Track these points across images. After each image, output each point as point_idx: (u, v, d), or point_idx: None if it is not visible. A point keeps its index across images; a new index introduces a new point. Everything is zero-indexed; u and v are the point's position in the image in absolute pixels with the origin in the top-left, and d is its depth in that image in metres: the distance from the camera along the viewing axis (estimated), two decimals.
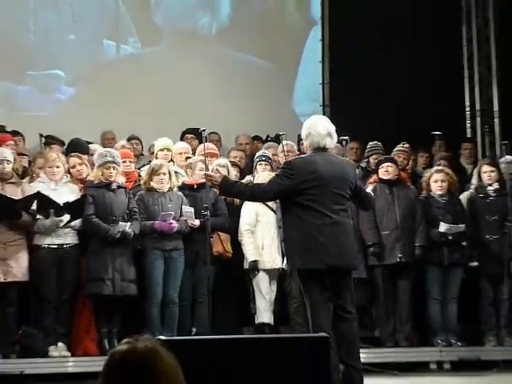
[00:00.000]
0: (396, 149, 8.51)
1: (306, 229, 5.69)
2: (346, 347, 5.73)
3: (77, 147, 8.11)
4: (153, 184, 7.39)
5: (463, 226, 7.81)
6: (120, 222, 7.11)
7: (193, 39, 10.87)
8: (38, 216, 7.02)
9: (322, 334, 4.38)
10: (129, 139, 9.01)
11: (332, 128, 5.84)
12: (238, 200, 7.72)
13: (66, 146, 8.37)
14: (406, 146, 8.62)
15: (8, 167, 7.14)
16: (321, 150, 5.79)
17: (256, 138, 9.71)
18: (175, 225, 7.28)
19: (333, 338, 5.52)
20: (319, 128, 5.80)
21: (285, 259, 7.48)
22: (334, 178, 5.72)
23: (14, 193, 7.07)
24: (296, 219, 5.76)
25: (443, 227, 7.77)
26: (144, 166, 8.23)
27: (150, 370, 2.05)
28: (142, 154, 9.05)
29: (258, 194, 5.99)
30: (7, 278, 6.93)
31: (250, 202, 7.62)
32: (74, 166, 7.51)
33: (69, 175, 7.39)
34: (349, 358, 5.72)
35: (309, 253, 5.67)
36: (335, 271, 5.73)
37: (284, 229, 6.08)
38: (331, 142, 5.87)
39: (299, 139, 9.36)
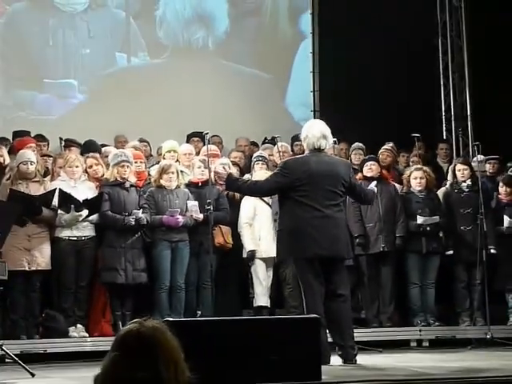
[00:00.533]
0: (382, 148, 8.53)
1: (297, 221, 5.77)
2: (338, 327, 5.78)
3: (90, 148, 8.16)
4: (162, 182, 7.42)
5: (437, 217, 7.85)
6: (134, 210, 7.15)
7: (191, 52, 10.85)
8: (59, 211, 7.05)
9: (314, 315, 4.42)
10: (139, 142, 9.02)
11: (327, 131, 5.92)
12: (238, 196, 7.76)
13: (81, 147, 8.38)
14: (391, 145, 8.62)
15: (32, 167, 7.16)
16: (316, 150, 5.85)
17: (252, 143, 9.73)
18: (181, 219, 7.31)
19: (324, 318, 5.58)
20: (315, 131, 5.89)
21: None
22: (325, 176, 5.78)
23: (37, 191, 7.09)
24: (290, 213, 5.84)
25: (420, 219, 7.81)
26: (153, 165, 8.24)
27: (154, 348, 2.09)
28: (151, 155, 9.05)
29: (255, 189, 6.13)
30: (31, 267, 6.96)
31: (249, 198, 7.67)
32: (90, 166, 7.53)
33: (86, 174, 7.42)
34: (340, 337, 5.77)
35: (300, 243, 5.74)
36: (326, 260, 5.77)
37: (279, 221, 6.13)
38: (326, 144, 5.93)
39: (293, 141, 9.41)
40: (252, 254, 7.60)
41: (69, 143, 8.50)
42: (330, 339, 5.92)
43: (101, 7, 10.57)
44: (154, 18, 10.79)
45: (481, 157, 8.40)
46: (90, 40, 10.42)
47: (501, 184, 8.23)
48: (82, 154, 7.90)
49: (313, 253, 5.72)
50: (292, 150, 9.17)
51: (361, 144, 8.71)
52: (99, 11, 10.54)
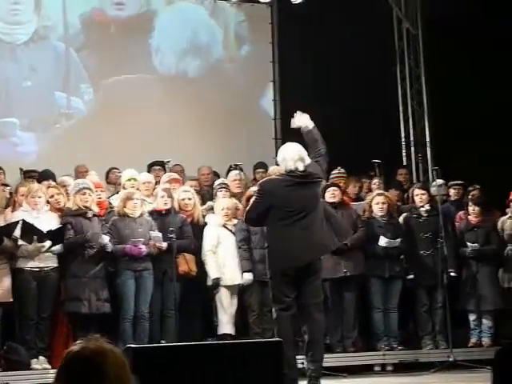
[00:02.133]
0: (334, 174, 8.62)
1: (275, 239, 6.02)
2: (310, 346, 5.90)
3: (47, 177, 8.22)
4: (126, 210, 7.44)
5: (399, 240, 7.97)
6: (101, 235, 7.17)
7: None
8: (20, 242, 7.02)
9: (275, 339, 4.47)
10: (109, 170, 9.10)
11: (304, 153, 6.07)
12: (202, 222, 7.81)
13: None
14: (342, 170, 8.74)
15: None
16: (293, 172, 5.97)
17: (214, 173, 9.81)
18: (144, 249, 7.34)
19: (292, 339, 5.71)
20: (292, 153, 6.03)
21: (244, 275, 7.61)
22: (298, 195, 5.93)
23: None
24: (268, 232, 6.15)
25: (382, 241, 7.92)
26: (112, 195, 8.27)
27: (99, 367, 2.09)
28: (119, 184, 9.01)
29: (247, 216, 6.26)
30: None
31: (212, 225, 7.73)
32: (52, 196, 7.52)
33: (48, 205, 7.41)
34: (310, 353, 5.88)
35: (278, 258, 5.98)
36: (297, 275, 5.93)
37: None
38: (303, 166, 6.07)
39: (255, 168, 9.52)
40: (216, 281, 7.64)
41: (29, 174, 8.48)
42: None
43: (42, 40, 10.54)
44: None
45: (440, 181, 8.55)
46: (31, 73, 10.38)
47: (470, 204, 8.37)
48: (38, 182, 7.89)
49: (287, 266, 5.93)
50: (254, 178, 9.28)
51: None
52: (40, 43, 10.51)
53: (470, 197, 8.55)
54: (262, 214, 6.05)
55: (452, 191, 8.95)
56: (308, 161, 6.11)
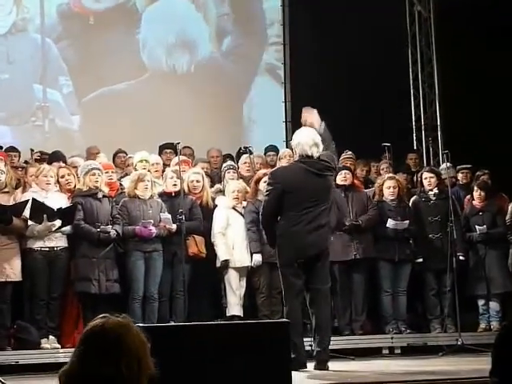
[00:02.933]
0: (343, 157, 8.60)
1: (286, 228, 5.99)
2: (317, 331, 5.91)
3: (58, 158, 8.20)
4: (137, 191, 7.44)
5: (407, 222, 7.94)
6: (102, 226, 7.18)
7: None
8: (30, 222, 7.04)
9: (283, 320, 4.47)
10: (116, 153, 9.10)
11: (318, 139, 6.04)
12: (211, 204, 7.81)
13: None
14: (350, 153, 8.71)
15: (1, 177, 7.15)
16: (308, 157, 5.95)
17: (228, 155, 9.80)
18: (154, 231, 7.34)
19: (301, 325, 5.72)
20: (307, 139, 6.04)
21: (253, 257, 7.62)
22: (310, 185, 5.90)
23: (7, 202, 7.08)
24: (280, 220, 6.05)
25: (390, 223, 7.89)
26: (122, 177, 8.27)
27: (119, 342, 2.12)
28: (128, 166, 9.04)
29: (266, 217, 6.19)
30: (1, 279, 6.93)
31: (222, 207, 7.74)
32: (63, 176, 7.52)
33: (58, 185, 7.42)
34: (318, 337, 5.90)
35: (288, 249, 5.98)
36: (307, 262, 5.96)
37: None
38: (317, 151, 6.05)
39: (266, 151, 9.50)
40: (225, 263, 7.64)
41: (40, 155, 8.49)
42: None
43: (20, 32, 10.46)
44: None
45: (448, 164, 8.51)
46: (9, 66, 10.30)
47: (475, 188, 8.34)
48: (48, 164, 7.90)
49: (296, 257, 5.94)
50: (265, 161, 9.26)
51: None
52: (19, 36, 10.44)
53: (475, 181, 8.52)
54: (276, 204, 6.01)
55: (460, 175, 8.93)
56: (321, 148, 6.10)
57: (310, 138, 6.06)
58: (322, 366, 5.87)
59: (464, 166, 8.94)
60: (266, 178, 7.72)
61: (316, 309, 5.98)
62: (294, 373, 4.84)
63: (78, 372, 2.11)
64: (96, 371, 2.09)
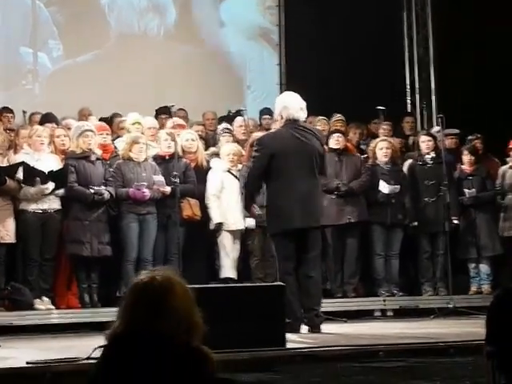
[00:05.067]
0: (333, 120, 8.51)
1: (275, 197, 5.88)
2: (308, 296, 5.85)
3: (51, 120, 8.08)
4: (131, 154, 7.37)
5: (398, 186, 7.90)
6: (95, 187, 7.13)
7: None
8: (23, 185, 6.97)
9: (278, 283, 4.46)
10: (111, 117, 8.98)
11: (303, 103, 5.97)
12: (205, 166, 7.75)
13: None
14: (339, 115, 8.64)
15: None
16: (294, 122, 5.88)
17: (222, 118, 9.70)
18: (147, 193, 7.29)
19: (297, 292, 5.68)
20: (294, 103, 5.93)
21: (247, 220, 7.58)
22: (300, 151, 5.84)
23: (0, 163, 7.01)
24: (269, 188, 5.97)
25: (381, 185, 7.86)
26: (115, 139, 8.17)
27: (168, 294, 2.08)
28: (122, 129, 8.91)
29: (251, 182, 6.11)
30: None
31: (216, 170, 7.68)
32: (58, 136, 7.43)
33: (51, 147, 7.33)
34: (308, 304, 5.83)
35: (277, 218, 5.86)
36: (300, 232, 5.85)
37: (265, 196, 6.20)
38: (303, 116, 5.99)
39: (261, 114, 9.42)
40: (219, 226, 7.61)
41: (33, 116, 8.39)
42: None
43: None
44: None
45: (437, 128, 8.45)
46: None
47: (465, 152, 8.30)
48: (40, 125, 7.80)
49: (289, 226, 5.82)
50: (260, 124, 9.19)
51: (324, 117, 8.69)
52: None
53: (465, 145, 8.47)
54: (262, 171, 5.91)
55: (448, 140, 8.85)
56: (305, 113, 6.02)
57: (297, 101, 5.97)
58: (316, 330, 5.85)
59: (452, 131, 8.87)
60: (258, 133, 7.67)
61: (305, 279, 5.89)
62: (287, 335, 4.85)
63: (127, 329, 2.03)
64: (147, 327, 2.02)
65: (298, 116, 5.93)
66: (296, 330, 5.66)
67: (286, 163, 5.82)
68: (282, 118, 6.01)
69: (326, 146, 7.86)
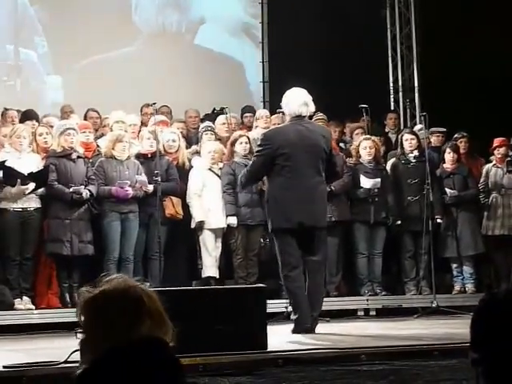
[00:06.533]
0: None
1: (278, 193, 5.78)
2: (311, 299, 5.76)
3: (31, 117, 7.97)
4: (114, 152, 7.27)
5: (379, 180, 7.81)
6: (74, 187, 7.02)
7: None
8: (4, 185, 6.86)
9: (259, 285, 4.38)
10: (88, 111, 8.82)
11: (309, 98, 5.88)
12: (187, 165, 7.65)
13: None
14: (320, 114, 8.55)
15: None
16: (298, 117, 5.77)
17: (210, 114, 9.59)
18: (130, 192, 7.20)
19: (305, 295, 5.65)
20: (297, 98, 5.84)
21: (228, 219, 7.49)
22: (305, 147, 5.74)
23: None
24: (273, 182, 5.84)
25: (363, 180, 7.78)
26: (98, 138, 8.05)
27: (138, 301, 1.91)
28: (104, 126, 8.79)
29: (250, 177, 5.99)
30: None
31: (198, 168, 7.59)
32: (41, 134, 7.31)
33: (32, 146, 7.20)
34: (311, 307, 5.75)
35: (279, 214, 5.74)
36: (303, 230, 5.75)
37: (266, 190, 6.11)
38: (307, 111, 5.89)
39: (242, 112, 9.32)
40: (200, 224, 7.52)
41: (11, 112, 8.23)
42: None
43: None
44: None
45: (419, 126, 8.38)
46: None
47: (448, 150, 8.24)
48: (20, 122, 7.67)
49: (292, 223, 5.71)
50: (242, 122, 9.10)
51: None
52: None
53: (448, 144, 8.41)
54: (264, 167, 5.79)
55: (434, 138, 8.79)
56: (313, 108, 5.92)
57: (300, 96, 5.86)
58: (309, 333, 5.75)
59: (438, 129, 8.81)
60: (242, 140, 7.60)
61: (308, 282, 5.77)
62: (272, 336, 4.76)
63: (104, 339, 1.84)
64: (125, 336, 1.83)
65: (301, 111, 5.82)
66: (304, 328, 5.56)
67: (289, 159, 5.72)
68: (286, 114, 5.94)
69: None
